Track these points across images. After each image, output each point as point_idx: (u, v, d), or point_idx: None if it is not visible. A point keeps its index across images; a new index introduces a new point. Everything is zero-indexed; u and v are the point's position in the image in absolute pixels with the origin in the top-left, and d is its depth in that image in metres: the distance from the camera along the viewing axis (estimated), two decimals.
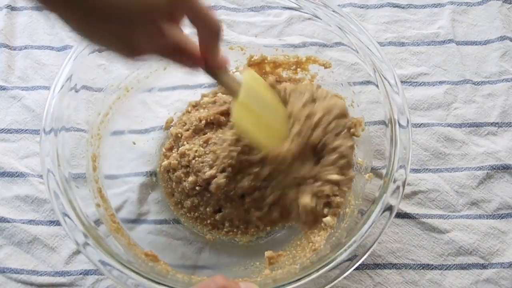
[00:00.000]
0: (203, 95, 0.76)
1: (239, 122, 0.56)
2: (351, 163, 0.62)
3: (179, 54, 0.48)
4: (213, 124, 0.71)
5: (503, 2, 0.85)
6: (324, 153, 0.61)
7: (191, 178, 0.65)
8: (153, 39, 0.45)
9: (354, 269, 0.53)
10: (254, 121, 0.56)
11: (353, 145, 0.63)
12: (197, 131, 0.70)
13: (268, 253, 0.62)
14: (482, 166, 0.72)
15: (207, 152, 0.66)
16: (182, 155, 0.67)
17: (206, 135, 0.69)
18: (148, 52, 0.46)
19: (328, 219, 0.61)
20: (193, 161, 0.66)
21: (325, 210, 0.61)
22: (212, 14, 0.47)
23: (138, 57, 0.46)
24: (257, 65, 0.73)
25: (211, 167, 0.64)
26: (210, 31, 0.48)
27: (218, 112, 0.71)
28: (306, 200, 0.59)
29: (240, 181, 0.62)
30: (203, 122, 0.70)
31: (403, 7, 0.86)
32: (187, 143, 0.69)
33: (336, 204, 0.60)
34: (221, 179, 0.62)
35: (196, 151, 0.66)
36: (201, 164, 0.65)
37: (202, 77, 0.75)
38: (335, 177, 0.59)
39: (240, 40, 0.79)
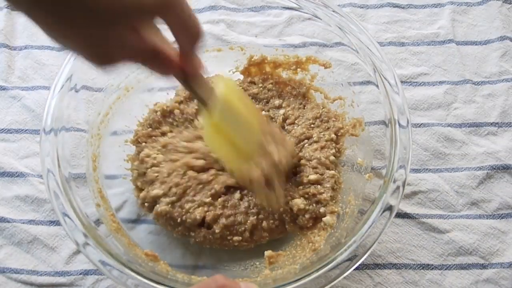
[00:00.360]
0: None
1: (211, 145, 0.57)
2: (323, 162, 0.65)
3: (154, 60, 0.44)
4: (171, 114, 0.69)
5: (503, 2, 0.85)
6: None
7: (142, 193, 0.63)
8: (129, 45, 0.41)
9: (354, 269, 0.53)
10: (225, 142, 0.55)
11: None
12: (154, 126, 0.68)
13: (268, 253, 0.62)
14: (482, 166, 0.72)
15: (166, 160, 0.64)
16: (142, 161, 0.65)
17: (164, 137, 0.67)
18: (121, 60, 0.42)
19: (327, 218, 0.61)
20: (149, 170, 0.64)
21: (322, 209, 0.62)
22: (197, 19, 0.43)
23: (110, 65, 0.42)
24: (257, 65, 0.73)
25: (161, 182, 0.63)
26: (192, 38, 0.44)
27: (175, 101, 0.69)
28: (297, 201, 0.62)
29: (190, 210, 0.61)
30: (159, 113, 0.68)
31: (403, 7, 0.86)
32: (145, 143, 0.67)
33: (324, 201, 0.62)
34: (163, 205, 0.61)
35: (154, 158, 0.64)
36: (155, 175, 0.63)
37: None
38: (312, 177, 0.63)
39: (240, 40, 0.79)
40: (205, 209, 0.61)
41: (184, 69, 0.47)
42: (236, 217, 0.62)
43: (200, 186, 0.63)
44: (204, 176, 0.63)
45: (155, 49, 0.43)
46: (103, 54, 0.41)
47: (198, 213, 0.61)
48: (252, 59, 0.72)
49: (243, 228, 0.62)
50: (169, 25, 0.42)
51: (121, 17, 0.37)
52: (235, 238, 0.61)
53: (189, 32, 0.43)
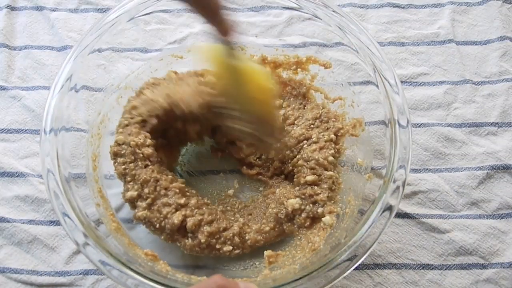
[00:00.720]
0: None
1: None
2: (321, 163, 0.65)
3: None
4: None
5: (503, 2, 0.85)
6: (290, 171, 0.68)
7: (126, 194, 0.62)
8: None
9: (354, 269, 0.53)
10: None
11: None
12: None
13: (267, 253, 0.62)
14: (482, 166, 0.72)
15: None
16: (115, 154, 0.64)
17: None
18: None
19: (327, 218, 0.61)
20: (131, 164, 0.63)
21: (319, 210, 0.62)
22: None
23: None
24: None
25: (132, 179, 0.62)
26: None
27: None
28: (292, 201, 0.62)
29: (168, 216, 0.60)
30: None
31: (403, 7, 0.86)
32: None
33: (321, 201, 0.62)
34: (140, 211, 0.61)
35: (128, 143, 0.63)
36: (122, 167, 0.63)
37: None
38: (309, 178, 0.63)
39: (240, 40, 0.79)
40: (183, 213, 0.60)
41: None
42: (219, 223, 0.61)
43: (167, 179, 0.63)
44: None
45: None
46: None
47: (176, 218, 0.60)
48: (252, 59, 0.72)
49: (231, 234, 0.61)
50: None
51: None
52: (225, 248, 0.61)
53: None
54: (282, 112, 0.70)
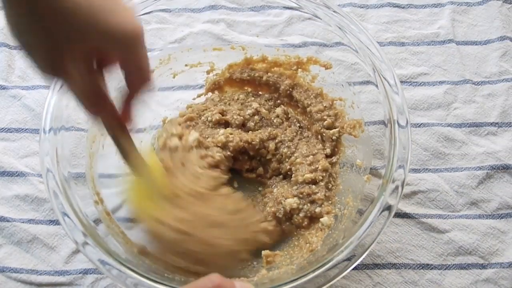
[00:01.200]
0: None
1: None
2: (319, 159, 0.65)
3: (94, 94, 0.47)
4: None
5: (503, 2, 0.85)
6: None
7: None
8: (79, 66, 0.43)
9: (353, 269, 0.53)
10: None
11: None
12: None
13: (265, 252, 0.62)
14: (482, 166, 0.72)
15: None
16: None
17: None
18: (63, 75, 0.44)
19: (325, 219, 0.61)
20: None
21: (317, 209, 0.62)
22: (149, 65, 0.46)
23: (50, 75, 0.44)
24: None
25: None
26: (142, 79, 0.48)
27: None
28: (290, 200, 0.62)
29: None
30: None
31: (403, 7, 0.86)
32: None
33: (319, 200, 0.62)
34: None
35: None
36: None
37: (202, 78, 0.76)
38: (308, 175, 0.64)
39: (241, 40, 0.79)
40: None
41: (119, 114, 0.50)
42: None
43: None
44: None
45: (99, 85, 0.46)
46: (51, 62, 0.42)
47: None
48: (253, 59, 0.73)
49: None
50: (126, 61, 0.45)
51: (94, 37, 0.40)
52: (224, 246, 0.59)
53: (142, 72, 0.46)
54: (280, 109, 0.70)
